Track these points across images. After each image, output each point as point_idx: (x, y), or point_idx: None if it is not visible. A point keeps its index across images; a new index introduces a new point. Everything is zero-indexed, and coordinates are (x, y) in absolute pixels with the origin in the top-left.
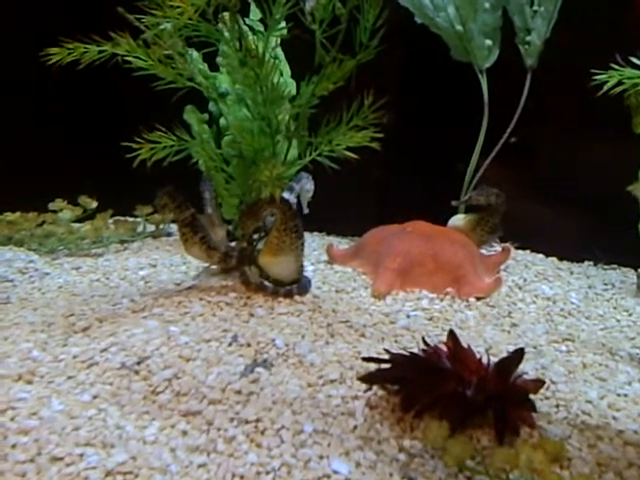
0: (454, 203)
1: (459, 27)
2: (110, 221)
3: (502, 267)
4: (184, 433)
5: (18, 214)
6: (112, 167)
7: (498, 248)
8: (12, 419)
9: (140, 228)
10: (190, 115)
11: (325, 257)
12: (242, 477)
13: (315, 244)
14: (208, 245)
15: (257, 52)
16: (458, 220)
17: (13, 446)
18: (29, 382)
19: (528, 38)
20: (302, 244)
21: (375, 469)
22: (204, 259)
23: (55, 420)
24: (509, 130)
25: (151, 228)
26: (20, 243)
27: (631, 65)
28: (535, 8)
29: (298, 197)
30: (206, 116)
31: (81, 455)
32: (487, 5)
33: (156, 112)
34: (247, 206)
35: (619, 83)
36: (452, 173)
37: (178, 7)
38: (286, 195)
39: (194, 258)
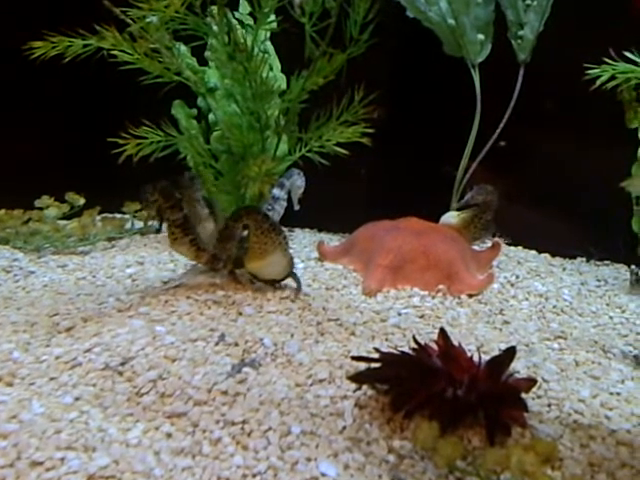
0: (455, 206)
1: (451, 21)
2: (98, 218)
3: (494, 264)
4: (168, 435)
5: (3, 211)
6: (99, 163)
7: (490, 245)
8: None
9: (128, 225)
10: (178, 110)
11: (315, 254)
12: None
13: (306, 241)
14: (197, 247)
15: (246, 46)
16: (451, 217)
17: None
18: (9, 384)
19: (521, 32)
20: (284, 238)
21: (364, 471)
22: (191, 258)
23: (35, 423)
24: (501, 126)
25: (139, 225)
26: (5, 241)
27: (624, 59)
28: (528, 2)
29: (289, 193)
30: (194, 111)
31: (62, 459)
32: None
33: (144, 107)
34: (220, 233)
35: (612, 78)
36: (444, 169)
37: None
38: (276, 191)
39: (180, 254)
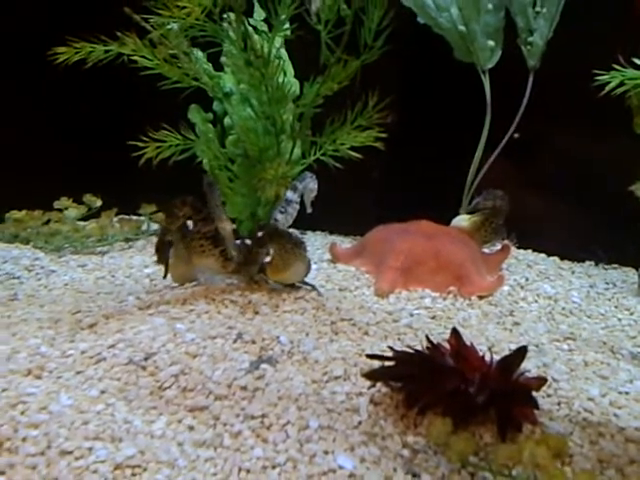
0: (463, 211)
1: (462, 28)
2: (115, 219)
3: (504, 266)
4: (191, 428)
5: (24, 212)
6: (114, 166)
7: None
8: (22, 413)
9: (144, 227)
10: (194, 114)
11: (328, 256)
12: (248, 471)
13: (318, 243)
14: (225, 257)
15: (263, 52)
16: (462, 220)
17: (24, 439)
18: (38, 377)
19: (530, 39)
20: (304, 247)
21: (379, 464)
22: (216, 270)
23: (64, 414)
24: (511, 130)
25: (155, 227)
26: (26, 241)
27: (633, 66)
28: (537, 9)
29: (301, 196)
30: (210, 115)
31: (90, 449)
32: (490, 6)
33: (159, 112)
34: (245, 258)
35: (621, 84)
36: (455, 173)
37: (184, 7)
38: (289, 194)
39: (202, 267)
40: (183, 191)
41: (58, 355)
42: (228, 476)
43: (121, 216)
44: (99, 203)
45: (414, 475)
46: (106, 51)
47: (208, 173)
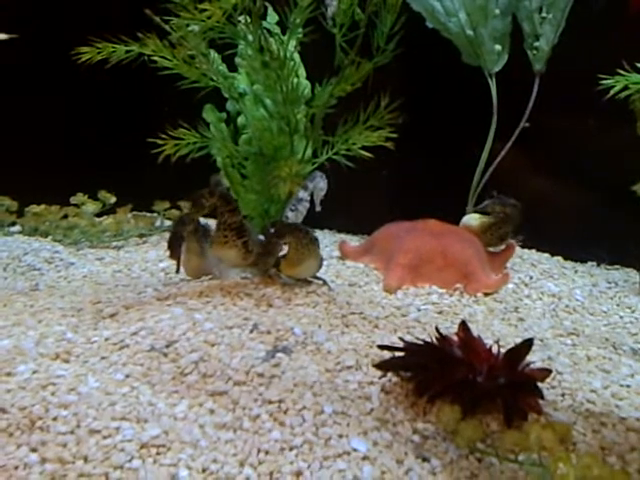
0: (469, 209)
1: (470, 32)
2: (129, 215)
3: (509, 265)
4: (211, 411)
5: (43, 207)
6: (127, 163)
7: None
8: (53, 394)
9: (158, 223)
10: (209, 114)
11: (337, 253)
12: (267, 452)
13: (327, 241)
14: (247, 249)
15: (279, 54)
16: (472, 219)
17: (54, 418)
18: (66, 361)
19: (536, 44)
20: (318, 244)
21: (391, 448)
22: (236, 261)
23: (92, 396)
24: (517, 131)
25: (168, 223)
26: (46, 234)
27: (636, 70)
28: (544, 15)
29: (311, 195)
30: (224, 115)
31: (117, 428)
32: (497, 11)
33: (172, 110)
34: (263, 247)
35: (625, 88)
36: (462, 173)
37: (205, 10)
38: (300, 193)
39: (222, 258)
40: (192, 189)
41: (83, 341)
42: (248, 457)
43: (134, 212)
44: (113, 200)
45: (424, 459)
46: (127, 51)
47: (215, 172)
